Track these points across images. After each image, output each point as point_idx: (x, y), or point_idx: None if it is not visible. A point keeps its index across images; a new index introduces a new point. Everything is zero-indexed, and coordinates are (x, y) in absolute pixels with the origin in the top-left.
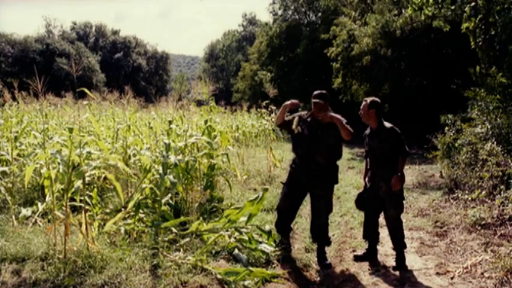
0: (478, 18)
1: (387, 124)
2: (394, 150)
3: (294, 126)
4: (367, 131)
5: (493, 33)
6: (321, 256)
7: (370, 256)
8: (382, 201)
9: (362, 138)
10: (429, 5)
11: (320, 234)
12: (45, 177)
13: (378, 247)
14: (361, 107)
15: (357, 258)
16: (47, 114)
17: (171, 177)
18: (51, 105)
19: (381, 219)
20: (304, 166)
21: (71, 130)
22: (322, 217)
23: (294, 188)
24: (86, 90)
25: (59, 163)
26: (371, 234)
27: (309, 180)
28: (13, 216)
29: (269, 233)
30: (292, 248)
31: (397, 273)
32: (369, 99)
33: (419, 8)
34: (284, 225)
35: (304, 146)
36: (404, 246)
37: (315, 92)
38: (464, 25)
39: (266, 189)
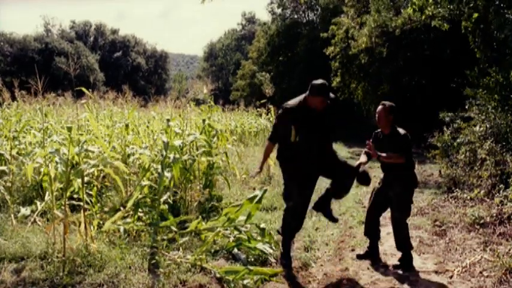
0: (476, 17)
1: (401, 130)
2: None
3: (293, 138)
4: (380, 135)
5: (491, 32)
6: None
7: (372, 254)
8: (389, 201)
9: (371, 138)
10: (429, 5)
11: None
12: (44, 173)
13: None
14: (378, 111)
15: (360, 257)
16: (46, 113)
17: (168, 174)
18: (50, 104)
19: (380, 218)
20: (315, 158)
21: (69, 129)
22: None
23: (306, 183)
24: (84, 89)
25: (57, 162)
26: (372, 232)
27: (321, 168)
28: (12, 215)
29: (263, 230)
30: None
31: (397, 271)
32: (387, 104)
33: (420, 8)
34: (299, 225)
35: (314, 138)
36: (411, 247)
37: (323, 85)
38: (464, 24)
39: (265, 190)
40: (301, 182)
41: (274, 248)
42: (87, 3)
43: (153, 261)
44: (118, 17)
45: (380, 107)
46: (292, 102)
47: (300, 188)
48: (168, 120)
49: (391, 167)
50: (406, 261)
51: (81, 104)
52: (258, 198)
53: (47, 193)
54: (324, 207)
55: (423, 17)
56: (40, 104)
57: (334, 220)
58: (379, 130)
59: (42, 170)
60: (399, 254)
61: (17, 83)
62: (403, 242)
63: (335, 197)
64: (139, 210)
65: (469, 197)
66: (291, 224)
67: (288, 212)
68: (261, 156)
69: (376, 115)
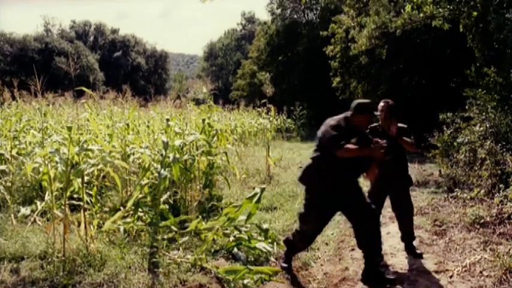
0: (475, 16)
1: (401, 124)
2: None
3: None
4: (379, 128)
5: (490, 31)
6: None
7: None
8: (383, 200)
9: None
10: (427, 3)
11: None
12: (44, 172)
13: None
14: (381, 108)
15: None
16: (46, 113)
17: (168, 173)
18: (50, 104)
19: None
20: (339, 183)
21: (69, 129)
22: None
23: (325, 210)
24: (85, 89)
25: (57, 162)
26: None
27: (341, 201)
28: (12, 215)
29: (267, 231)
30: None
31: (395, 271)
32: (390, 102)
33: (418, 6)
34: (306, 247)
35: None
36: (413, 238)
37: (369, 103)
38: (462, 22)
39: (263, 189)
40: (320, 208)
41: (274, 247)
42: (88, 3)
43: (153, 260)
44: (118, 17)
45: (383, 103)
46: (337, 119)
47: (318, 214)
48: (167, 120)
49: (390, 166)
50: (412, 251)
51: (81, 103)
52: (257, 197)
53: (47, 193)
54: (373, 276)
55: (421, 14)
56: (40, 104)
57: (391, 282)
58: (376, 124)
59: (42, 169)
60: (399, 254)
61: (16, 82)
62: (410, 231)
63: (371, 256)
64: (139, 210)
65: (469, 197)
66: (298, 245)
67: (298, 234)
68: (353, 152)
69: (379, 112)
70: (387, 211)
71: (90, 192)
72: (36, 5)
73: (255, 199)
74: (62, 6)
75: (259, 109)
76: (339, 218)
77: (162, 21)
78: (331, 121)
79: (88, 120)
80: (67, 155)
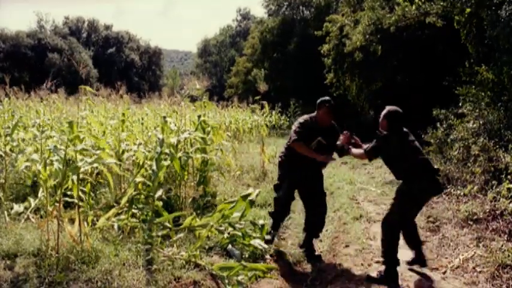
0: (468, 12)
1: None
2: None
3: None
4: None
5: (483, 28)
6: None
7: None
8: None
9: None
10: None
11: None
12: (43, 165)
13: (371, 242)
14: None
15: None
16: (38, 110)
17: (163, 166)
18: (44, 101)
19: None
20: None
21: (70, 124)
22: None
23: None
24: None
25: (52, 160)
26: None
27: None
28: (5, 212)
29: (262, 227)
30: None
31: None
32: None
33: None
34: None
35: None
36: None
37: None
38: (456, 18)
39: (259, 192)
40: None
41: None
42: (86, 2)
43: (147, 257)
44: (116, 14)
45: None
46: (305, 117)
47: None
48: (164, 117)
49: None
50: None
51: (75, 100)
52: (251, 197)
53: (41, 190)
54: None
55: (413, 7)
56: (34, 101)
57: (316, 258)
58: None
59: (38, 166)
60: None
61: (8, 79)
62: None
63: (314, 235)
64: (134, 206)
65: (462, 193)
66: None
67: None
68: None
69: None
70: (380, 207)
71: (84, 189)
72: (33, 3)
73: (249, 198)
74: (59, 4)
75: (253, 106)
76: (332, 215)
77: (159, 18)
78: (300, 119)
79: (83, 118)
80: (64, 152)
